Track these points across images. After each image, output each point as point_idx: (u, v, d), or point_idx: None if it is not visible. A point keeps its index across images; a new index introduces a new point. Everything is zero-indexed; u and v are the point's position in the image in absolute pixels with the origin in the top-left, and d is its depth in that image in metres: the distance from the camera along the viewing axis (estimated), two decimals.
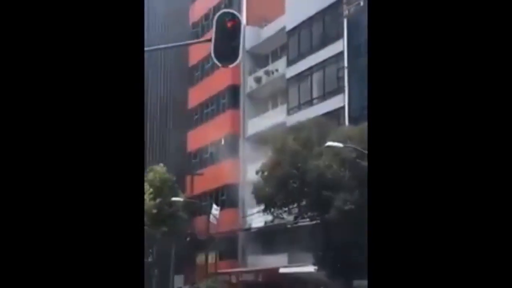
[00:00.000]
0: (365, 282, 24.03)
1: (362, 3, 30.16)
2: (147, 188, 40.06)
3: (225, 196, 39.45)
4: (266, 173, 27.23)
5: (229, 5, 40.54)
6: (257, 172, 28.02)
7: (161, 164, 41.50)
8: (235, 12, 10.79)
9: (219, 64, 10.10)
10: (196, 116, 44.50)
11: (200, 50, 40.69)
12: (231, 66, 10.48)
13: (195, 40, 24.87)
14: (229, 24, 9.82)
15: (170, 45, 21.95)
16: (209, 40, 10.02)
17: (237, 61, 10.16)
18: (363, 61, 29.01)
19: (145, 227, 38.71)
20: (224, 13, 10.18)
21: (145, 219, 38.88)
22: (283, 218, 28.30)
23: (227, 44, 9.81)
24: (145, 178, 40.98)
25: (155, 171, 40.89)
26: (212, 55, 9.85)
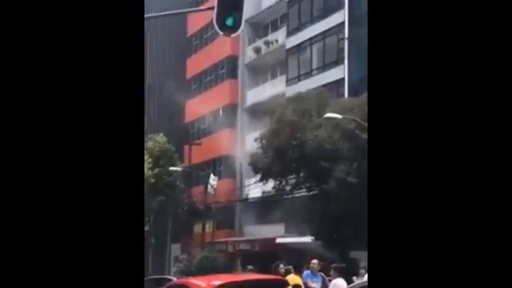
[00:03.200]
0: (361, 253, 24.21)
1: None
2: (146, 157, 40.13)
3: (223, 166, 39.52)
4: (264, 142, 27.28)
5: None
6: (255, 140, 28.05)
7: (161, 134, 41.47)
8: None
9: (221, 33, 10.00)
10: (195, 86, 44.39)
11: (199, 20, 40.41)
12: (233, 35, 10.40)
13: (197, 8, 24.66)
14: None
15: (170, 12, 21.72)
16: (211, 8, 9.93)
17: (239, 31, 10.09)
18: (364, 32, 28.84)
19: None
20: None
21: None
22: (280, 189, 28.39)
23: (230, 13, 9.70)
24: (145, 147, 41.07)
25: (155, 140, 40.89)
26: (215, 23, 9.77)
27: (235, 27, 9.86)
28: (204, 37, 42.83)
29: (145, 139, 43.11)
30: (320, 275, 14.01)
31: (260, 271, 16.95)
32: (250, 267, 15.61)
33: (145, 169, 39.01)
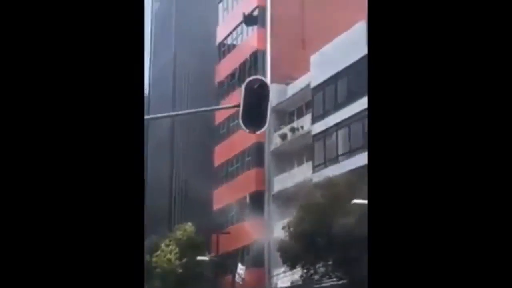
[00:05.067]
0: None
1: None
2: (173, 247, 39.87)
3: (251, 255, 38.96)
4: (292, 229, 26.96)
5: (254, 64, 40.86)
6: (283, 227, 27.76)
7: (190, 223, 41.39)
8: (264, 79, 10.88)
9: (247, 131, 10.05)
10: (222, 174, 44.49)
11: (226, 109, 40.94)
12: (258, 132, 10.43)
13: (223, 106, 25.18)
14: (257, 92, 9.80)
15: (198, 109, 22.24)
16: (237, 106, 10.02)
17: (265, 127, 10.18)
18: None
19: None
20: (253, 79, 10.19)
21: (171, 279, 38.56)
22: (310, 278, 27.75)
23: (255, 110, 9.78)
24: (173, 236, 40.87)
25: (183, 230, 40.78)
26: (240, 122, 9.83)
27: (261, 123, 9.96)
28: (231, 125, 43.26)
29: (173, 228, 43.02)
30: None
31: None
32: None
33: (172, 259, 38.72)
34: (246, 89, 9.82)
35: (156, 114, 35.93)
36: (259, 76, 12.59)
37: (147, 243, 40.42)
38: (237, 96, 10.30)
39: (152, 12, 58.93)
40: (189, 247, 39.65)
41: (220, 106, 28.18)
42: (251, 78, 10.30)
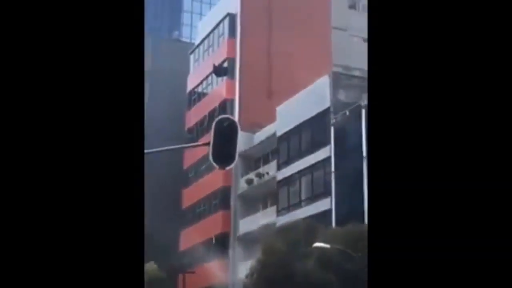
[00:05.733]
0: None
1: (347, 113, 31.67)
2: None
3: None
4: (254, 273, 27.32)
5: (223, 111, 42.10)
6: (246, 277, 28.12)
7: (152, 262, 41.61)
8: (233, 118, 11.27)
9: (216, 166, 10.36)
10: (189, 216, 45.19)
11: (194, 153, 42.20)
12: (227, 168, 10.74)
13: (194, 143, 26.33)
14: (227, 129, 10.11)
15: (170, 147, 23.35)
16: (207, 144, 10.33)
17: (233, 164, 10.52)
18: (349, 166, 30.68)
19: None
20: (223, 118, 10.52)
21: None
22: None
23: (224, 147, 10.10)
24: None
25: (146, 269, 40.87)
26: (210, 158, 10.18)
27: (230, 161, 10.29)
28: (199, 169, 44.16)
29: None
30: None
31: None
32: None
33: None
34: (215, 127, 10.12)
35: None
36: (229, 116, 13.24)
37: None
38: (206, 141, 10.42)
39: None
40: (153, 286, 39.76)
41: (191, 144, 28.82)
42: (220, 117, 10.36)
